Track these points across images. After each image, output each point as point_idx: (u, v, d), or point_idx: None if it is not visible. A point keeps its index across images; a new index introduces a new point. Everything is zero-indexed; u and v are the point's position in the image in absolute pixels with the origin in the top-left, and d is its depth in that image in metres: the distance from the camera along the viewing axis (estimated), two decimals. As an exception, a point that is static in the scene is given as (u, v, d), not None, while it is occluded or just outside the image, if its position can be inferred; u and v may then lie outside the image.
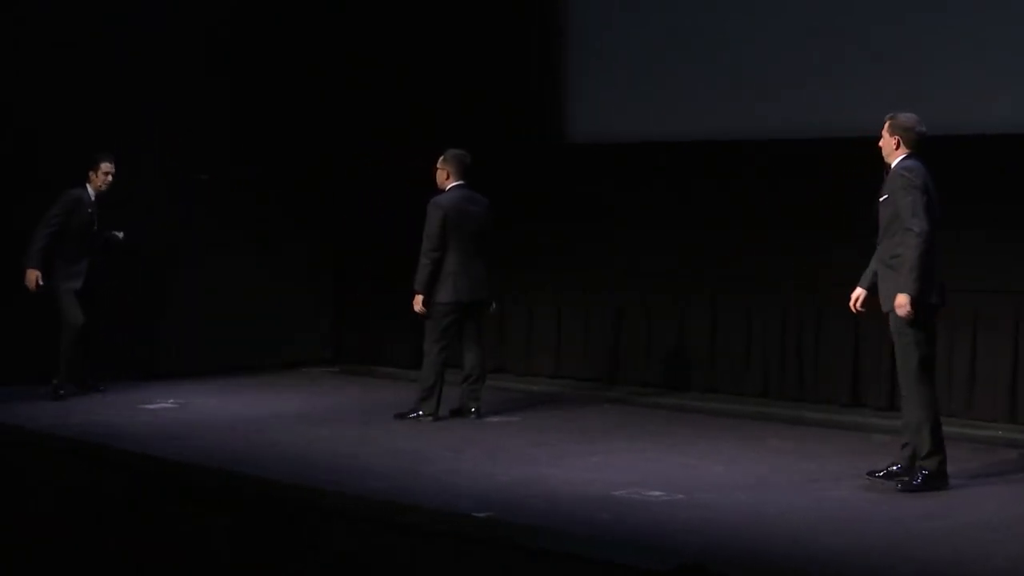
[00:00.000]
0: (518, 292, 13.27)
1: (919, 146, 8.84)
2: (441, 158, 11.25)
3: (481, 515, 8.28)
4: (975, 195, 10.56)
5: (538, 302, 13.23)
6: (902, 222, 8.71)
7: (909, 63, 11.24)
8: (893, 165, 8.87)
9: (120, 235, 12.26)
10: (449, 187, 11.21)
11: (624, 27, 12.84)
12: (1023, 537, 7.88)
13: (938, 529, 8.06)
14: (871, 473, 9.04)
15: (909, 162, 8.82)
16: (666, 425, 11.20)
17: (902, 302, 8.65)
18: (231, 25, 13.70)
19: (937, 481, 8.83)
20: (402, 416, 11.24)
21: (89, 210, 12.06)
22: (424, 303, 11.14)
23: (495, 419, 11.42)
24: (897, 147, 8.86)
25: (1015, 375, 10.71)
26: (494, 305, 11.57)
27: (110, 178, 12.10)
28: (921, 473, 8.81)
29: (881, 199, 8.87)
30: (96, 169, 12.05)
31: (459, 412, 11.37)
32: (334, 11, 14.21)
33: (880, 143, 8.94)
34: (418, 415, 11.22)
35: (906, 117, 8.88)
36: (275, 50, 13.87)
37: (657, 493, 8.85)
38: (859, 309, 9.13)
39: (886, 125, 8.89)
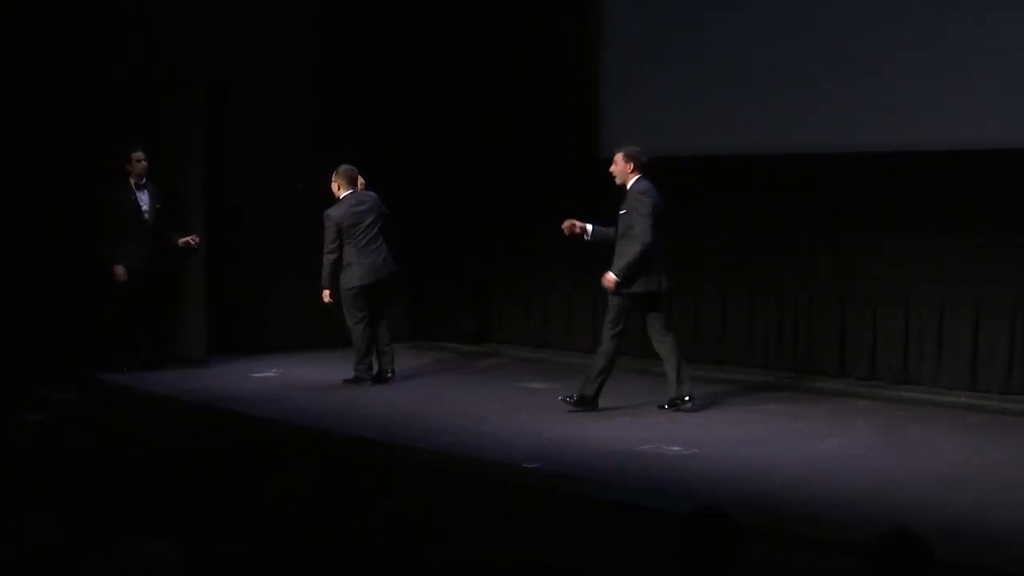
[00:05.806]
0: (560, 283, 13.18)
1: (645, 168, 9.81)
2: (335, 173, 11.24)
3: (531, 465, 8.37)
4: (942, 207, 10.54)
5: (577, 291, 13.03)
6: (634, 232, 9.69)
7: (915, 85, 10.69)
8: (630, 186, 9.79)
9: (195, 240, 11.82)
10: (343, 195, 11.21)
11: (657, 52, 12.40)
12: (979, 487, 7.88)
13: (908, 479, 8.07)
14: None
15: (642, 185, 9.79)
16: (683, 392, 11.18)
17: (610, 281, 9.80)
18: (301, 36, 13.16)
19: (588, 405, 9.97)
20: (349, 382, 11.25)
21: (132, 197, 11.66)
22: (331, 295, 11.19)
23: (541, 386, 11.31)
24: (632, 171, 9.80)
25: (975, 352, 10.60)
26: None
27: (143, 164, 11.50)
28: (577, 395, 10.04)
29: (622, 212, 9.79)
30: (129, 160, 11.50)
31: (379, 377, 11.32)
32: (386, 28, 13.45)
33: (614, 168, 9.83)
34: (358, 379, 11.25)
35: (634, 149, 9.85)
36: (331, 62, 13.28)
37: (676, 448, 8.89)
38: (574, 232, 10.12)
39: (621, 155, 9.81)
